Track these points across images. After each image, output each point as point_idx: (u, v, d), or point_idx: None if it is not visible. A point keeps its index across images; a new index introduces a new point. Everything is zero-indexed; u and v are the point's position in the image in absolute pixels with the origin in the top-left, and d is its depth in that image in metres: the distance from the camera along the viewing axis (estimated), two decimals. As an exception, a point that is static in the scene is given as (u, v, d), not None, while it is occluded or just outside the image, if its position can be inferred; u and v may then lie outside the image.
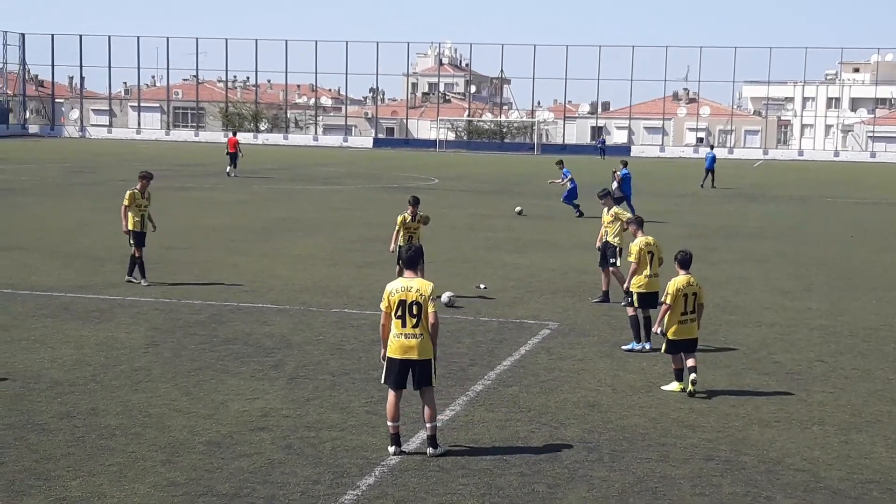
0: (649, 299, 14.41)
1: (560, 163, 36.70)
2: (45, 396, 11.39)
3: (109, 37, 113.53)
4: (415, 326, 9.66)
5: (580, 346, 14.77)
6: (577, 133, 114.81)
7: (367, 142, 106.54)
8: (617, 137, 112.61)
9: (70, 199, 35.88)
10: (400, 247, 18.45)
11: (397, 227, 18.31)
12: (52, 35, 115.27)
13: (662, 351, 12.62)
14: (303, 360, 13.40)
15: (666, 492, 9.09)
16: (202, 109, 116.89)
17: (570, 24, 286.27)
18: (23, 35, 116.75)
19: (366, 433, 10.41)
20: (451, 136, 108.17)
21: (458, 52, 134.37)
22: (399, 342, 9.71)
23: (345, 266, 21.80)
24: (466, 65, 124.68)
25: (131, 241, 18.78)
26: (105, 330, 14.86)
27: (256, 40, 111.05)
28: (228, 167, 50.33)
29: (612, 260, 17.99)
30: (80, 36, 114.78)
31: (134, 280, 18.74)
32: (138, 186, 18.94)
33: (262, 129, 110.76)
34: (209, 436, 10.18)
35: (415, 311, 9.65)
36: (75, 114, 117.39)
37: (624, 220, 18.52)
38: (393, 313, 9.71)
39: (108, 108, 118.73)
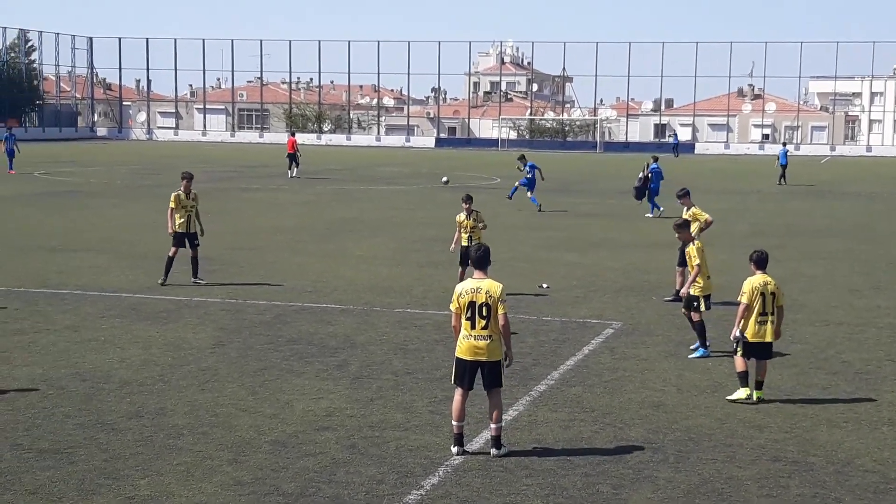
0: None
1: (522, 157, 38.79)
2: (114, 396, 11.58)
3: (175, 40, 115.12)
4: (484, 328, 9.63)
5: (644, 345, 14.68)
6: (640, 131, 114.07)
7: (430, 142, 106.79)
8: (681, 135, 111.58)
9: (138, 201, 36.42)
10: (463, 246, 18.58)
11: (457, 227, 18.43)
12: (120, 39, 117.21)
13: (738, 354, 11.86)
14: (366, 360, 13.47)
15: (732, 493, 9.01)
16: (266, 111, 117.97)
17: (632, 22, 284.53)
18: (90, 39, 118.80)
19: (429, 433, 10.45)
20: (513, 135, 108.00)
21: (519, 51, 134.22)
22: (468, 343, 9.69)
23: (407, 266, 21.88)
24: (528, 63, 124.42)
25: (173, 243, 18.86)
26: (172, 330, 15.07)
27: (319, 41, 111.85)
28: (288, 169, 50.57)
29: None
30: (147, 39, 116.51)
31: (161, 282, 18.69)
32: (182, 187, 18.99)
33: (326, 129, 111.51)
34: (275, 435, 10.28)
35: (484, 313, 9.61)
36: (142, 116, 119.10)
37: (702, 220, 18.37)
38: (463, 315, 9.69)
39: (174, 111, 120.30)
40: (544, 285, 19.35)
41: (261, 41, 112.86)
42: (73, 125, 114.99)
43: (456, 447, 9.81)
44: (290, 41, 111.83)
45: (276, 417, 10.87)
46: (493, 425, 9.82)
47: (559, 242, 26.39)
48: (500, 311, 9.61)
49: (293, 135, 55.73)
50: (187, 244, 18.98)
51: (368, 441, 10.15)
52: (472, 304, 9.64)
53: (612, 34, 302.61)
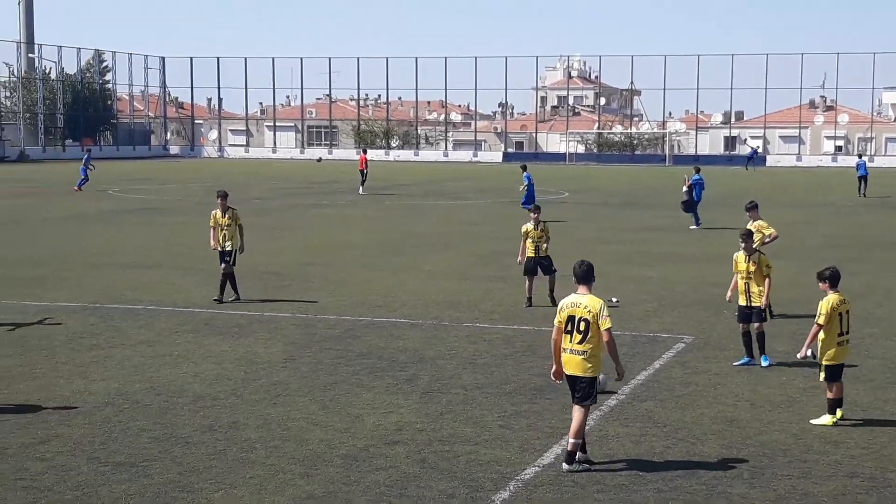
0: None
1: (524, 167, 38.66)
2: (188, 410, 11.73)
3: (246, 58, 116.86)
4: (580, 343, 9.69)
5: (716, 360, 14.51)
6: (709, 143, 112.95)
7: (497, 156, 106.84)
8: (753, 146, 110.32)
9: (209, 218, 36.83)
10: (529, 257, 18.65)
11: (522, 238, 18.56)
12: (191, 58, 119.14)
13: (822, 379, 11.54)
14: (436, 375, 13.50)
15: (808, 510, 8.86)
16: (335, 128, 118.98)
17: (701, 34, 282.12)
18: (163, 59, 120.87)
19: (499, 447, 10.43)
20: (581, 148, 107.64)
21: (587, 65, 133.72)
22: (566, 357, 9.82)
23: (475, 280, 21.88)
24: (596, 77, 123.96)
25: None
26: (244, 345, 15.23)
27: (387, 58, 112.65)
28: (360, 186, 50.95)
29: None
30: (218, 58, 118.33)
31: (219, 299, 18.72)
32: (219, 206, 19.10)
33: (394, 145, 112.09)
34: (346, 449, 10.33)
35: (581, 328, 9.67)
36: (214, 134, 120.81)
37: (766, 233, 18.17)
38: (563, 328, 9.79)
39: (244, 129, 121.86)
40: (613, 299, 19.22)
41: (329, 59, 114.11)
42: (146, 143, 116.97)
43: (565, 463, 9.76)
44: (358, 58, 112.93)
45: (347, 431, 10.93)
46: (570, 440, 9.75)
47: (628, 256, 26.22)
48: (604, 327, 9.64)
49: (365, 151, 56.07)
50: (221, 261, 18.97)
51: (439, 455, 10.16)
52: (571, 318, 9.74)
53: (680, 46, 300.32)
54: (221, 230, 18.98)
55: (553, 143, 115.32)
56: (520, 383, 13.06)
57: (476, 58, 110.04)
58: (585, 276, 9.94)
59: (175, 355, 14.51)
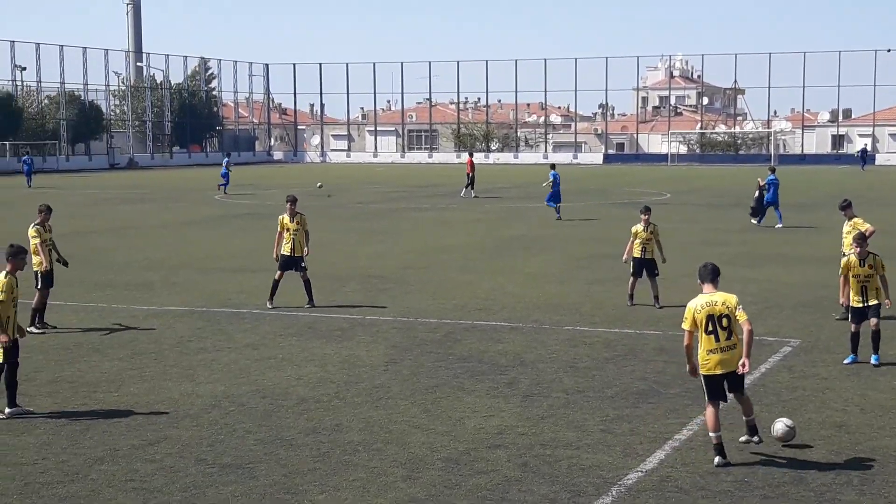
0: None
1: (552, 166, 40.71)
2: (292, 413, 11.90)
3: (347, 64, 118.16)
4: (728, 338, 9.88)
5: (824, 363, 14.20)
6: (816, 142, 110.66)
7: (598, 158, 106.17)
8: (860, 145, 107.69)
9: (313, 222, 37.26)
10: (635, 258, 18.58)
11: (631, 238, 18.57)
12: (294, 65, 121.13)
13: None
14: (536, 378, 13.46)
15: (921, 519, 8.62)
16: (435, 131, 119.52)
17: (807, 30, 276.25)
18: (267, 66, 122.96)
19: (601, 452, 10.36)
20: (683, 149, 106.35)
21: (689, 64, 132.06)
22: (717, 358, 9.89)
23: (575, 283, 21.76)
24: (698, 76, 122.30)
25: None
26: (347, 348, 15.39)
27: (487, 61, 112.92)
28: (464, 188, 50.97)
29: None
30: (320, 64, 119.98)
31: (269, 306, 18.74)
32: (287, 211, 19.11)
33: (493, 148, 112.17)
34: (447, 452, 10.36)
35: (724, 324, 9.86)
36: (316, 139, 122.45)
37: (863, 230, 17.72)
38: (703, 330, 9.87)
39: (346, 133, 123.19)
40: (718, 302, 18.94)
41: (429, 63, 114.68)
42: (250, 149, 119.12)
43: (718, 457, 9.91)
44: (457, 62, 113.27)
45: (449, 434, 10.96)
46: (745, 418, 10.27)
47: (733, 258, 25.81)
48: (744, 318, 9.85)
49: (471, 154, 56.21)
50: (294, 268, 18.95)
51: (540, 459, 10.13)
52: (710, 318, 9.85)
53: (785, 44, 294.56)
54: (290, 234, 18.97)
55: (654, 143, 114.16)
56: (621, 387, 12.95)
57: (576, 59, 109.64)
58: (712, 273, 10.12)
59: (279, 358, 14.73)
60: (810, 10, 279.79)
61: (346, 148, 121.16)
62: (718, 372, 9.92)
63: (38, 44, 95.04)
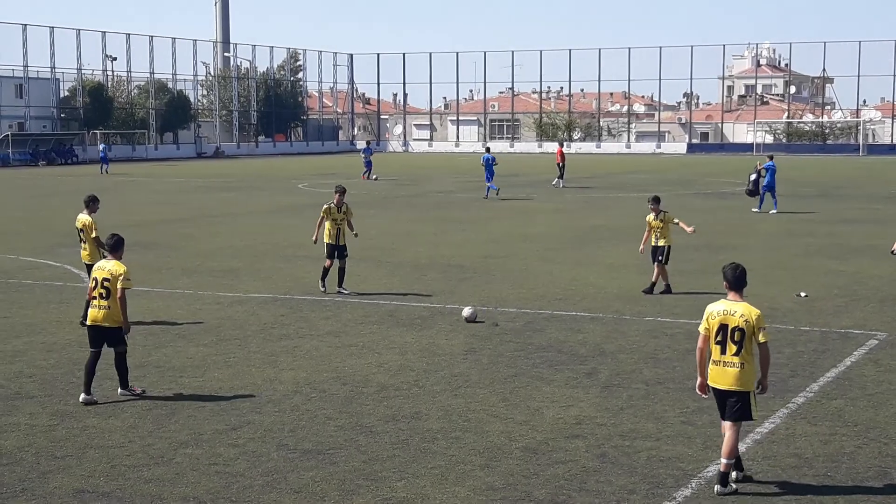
0: None
1: (487, 149, 42.42)
2: (372, 400, 12.01)
3: (430, 54, 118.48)
4: (735, 354, 8.90)
5: (912, 358, 13.91)
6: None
7: (681, 147, 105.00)
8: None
9: (395, 211, 37.59)
10: (653, 246, 18.90)
11: (647, 228, 19.41)
12: (378, 55, 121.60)
13: None
14: (616, 369, 13.40)
15: None
16: (517, 121, 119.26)
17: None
18: (351, 56, 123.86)
19: (681, 444, 10.29)
20: (769, 139, 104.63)
21: (776, 52, 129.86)
22: (717, 370, 9.02)
23: (659, 274, 21.55)
24: (786, 65, 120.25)
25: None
26: (427, 336, 15.48)
27: (570, 50, 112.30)
28: (557, 179, 50.77)
29: None
30: (403, 54, 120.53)
31: (322, 289, 19.19)
32: (334, 201, 19.38)
33: (576, 138, 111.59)
34: (525, 441, 10.38)
35: (736, 338, 8.87)
36: (399, 129, 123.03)
37: None
38: (712, 338, 9.01)
39: (428, 123, 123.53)
40: (802, 294, 18.67)
41: (512, 52, 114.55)
42: (334, 139, 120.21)
43: (718, 486, 8.93)
44: (540, 51, 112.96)
45: (527, 424, 10.98)
46: (723, 460, 8.94)
47: (819, 249, 25.38)
48: (763, 339, 8.84)
49: (562, 144, 55.95)
50: (336, 255, 19.24)
51: (619, 450, 10.10)
52: (723, 328, 8.92)
53: (875, 31, 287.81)
54: (336, 224, 19.27)
55: (740, 133, 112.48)
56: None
57: (661, 47, 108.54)
58: (739, 281, 9.04)
59: (360, 346, 14.87)
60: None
61: (429, 137, 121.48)
62: (716, 385, 9.01)
63: (129, 34, 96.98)
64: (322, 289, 19.34)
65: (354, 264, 23.12)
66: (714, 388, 9.12)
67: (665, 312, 17.27)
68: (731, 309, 8.99)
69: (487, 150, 44.95)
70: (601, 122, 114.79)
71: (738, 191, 47.01)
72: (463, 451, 10.09)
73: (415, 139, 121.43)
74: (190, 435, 10.67)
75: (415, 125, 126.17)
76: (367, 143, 66.09)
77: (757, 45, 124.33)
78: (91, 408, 11.70)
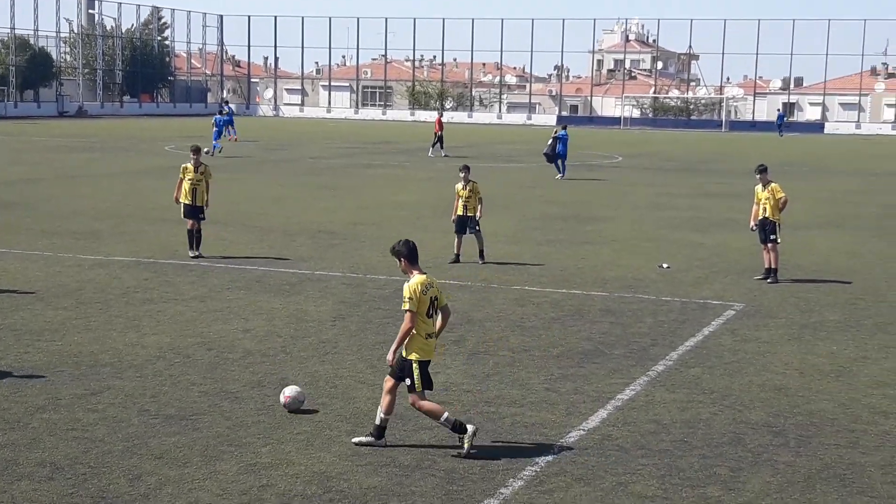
0: None
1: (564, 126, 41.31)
2: (237, 366, 11.87)
3: (303, 17, 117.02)
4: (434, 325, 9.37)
5: (766, 328, 14.40)
6: (767, 110, 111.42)
7: (551, 119, 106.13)
8: (810, 114, 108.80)
9: (264, 176, 37.12)
10: (459, 216, 19.11)
11: (456, 197, 19.46)
12: (249, 17, 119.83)
13: None
14: (483, 337, 13.53)
15: (855, 479, 8.80)
16: (390, 88, 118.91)
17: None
18: (221, 17, 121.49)
19: (545, 410, 10.45)
20: (636, 113, 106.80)
21: (644, 28, 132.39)
22: (433, 342, 9.40)
23: (526, 244, 21.84)
24: (654, 41, 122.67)
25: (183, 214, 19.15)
26: (295, 303, 15.36)
27: (444, 19, 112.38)
28: (431, 147, 50.68)
29: (772, 236, 17.75)
30: (276, 17, 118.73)
31: (191, 254, 18.97)
32: (191, 161, 19.25)
33: (448, 107, 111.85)
34: (395, 409, 10.37)
35: (436, 307, 9.39)
36: (269, 93, 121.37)
37: (778, 197, 18.08)
38: (424, 313, 9.25)
39: (300, 88, 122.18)
40: (665, 265, 19.13)
41: (386, 19, 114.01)
42: (202, 101, 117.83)
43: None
44: (414, 19, 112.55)
45: (394, 390, 10.97)
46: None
47: (682, 222, 26.03)
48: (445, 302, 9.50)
49: (440, 114, 55.84)
50: (192, 215, 19.09)
51: (484, 416, 10.20)
52: (434, 301, 9.39)
53: (740, 10, 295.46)
54: (192, 185, 19.07)
55: (608, 106, 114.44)
56: (567, 347, 13.06)
57: (533, 20, 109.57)
58: (415, 254, 9.60)
59: (226, 311, 14.67)
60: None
61: (300, 102, 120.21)
62: (432, 359, 9.41)
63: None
64: (191, 254, 18.99)
65: (221, 228, 22.77)
66: (429, 362, 9.35)
67: (532, 281, 17.49)
68: (431, 281, 9.50)
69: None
70: (473, 92, 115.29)
71: (607, 163, 47.90)
72: (329, 417, 10.06)
73: (286, 104, 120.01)
74: (47, 399, 10.37)
75: (286, 90, 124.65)
76: (221, 104, 63.52)
77: (626, 20, 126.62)
78: (-58, 372, 11.27)
